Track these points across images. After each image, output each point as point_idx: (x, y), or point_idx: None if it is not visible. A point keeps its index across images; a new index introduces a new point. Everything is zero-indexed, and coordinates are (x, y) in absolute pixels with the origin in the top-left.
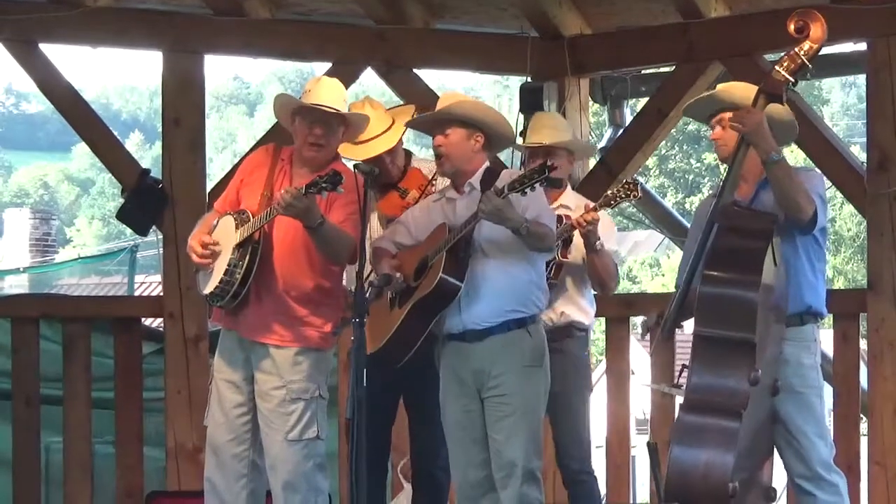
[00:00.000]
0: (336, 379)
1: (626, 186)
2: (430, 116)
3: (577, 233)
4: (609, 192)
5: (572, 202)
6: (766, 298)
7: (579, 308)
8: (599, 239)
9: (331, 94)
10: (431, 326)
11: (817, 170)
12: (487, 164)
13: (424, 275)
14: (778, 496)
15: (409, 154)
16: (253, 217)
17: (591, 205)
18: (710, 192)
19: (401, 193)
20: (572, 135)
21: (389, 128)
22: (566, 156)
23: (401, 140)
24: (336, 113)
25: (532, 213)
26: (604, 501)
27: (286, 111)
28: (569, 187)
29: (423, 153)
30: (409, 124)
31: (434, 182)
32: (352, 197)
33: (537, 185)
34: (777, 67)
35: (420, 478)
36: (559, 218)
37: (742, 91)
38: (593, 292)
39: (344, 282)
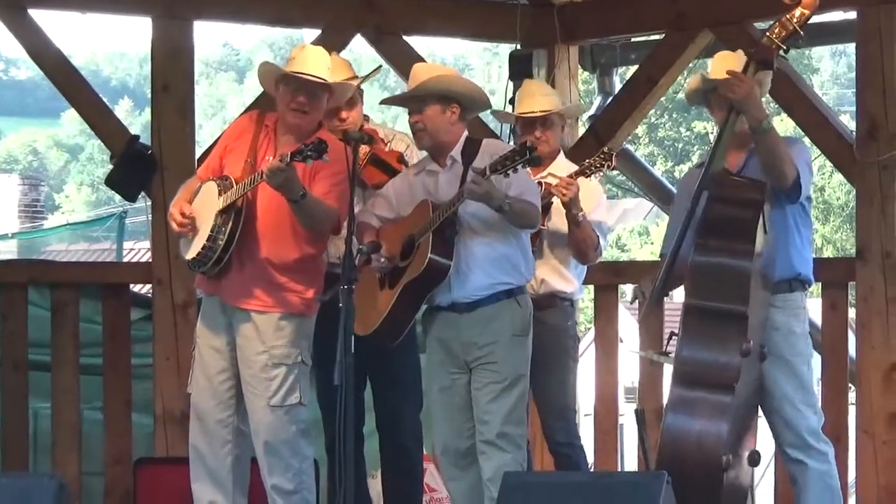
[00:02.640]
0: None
1: (602, 156)
2: (404, 94)
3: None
4: (585, 161)
5: (564, 170)
6: (755, 265)
7: (562, 277)
8: (582, 210)
9: (315, 61)
10: (423, 305)
11: (803, 140)
12: (466, 133)
13: (412, 256)
14: (765, 463)
15: (366, 117)
16: (236, 184)
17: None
18: (697, 161)
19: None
20: (561, 100)
21: (351, 78)
22: (559, 122)
23: (361, 98)
24: (320, 81)
25: (515, 189)
26: (591, 469)
27: (270, 79)
28: (561, 155)
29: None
30: (384, 101)
31: (385, 141)
32: (337, 167)
33: (519, 166)
34: (768, 34)
35: (388, 450)
36: (539, 184)
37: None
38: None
39: (330, 252)
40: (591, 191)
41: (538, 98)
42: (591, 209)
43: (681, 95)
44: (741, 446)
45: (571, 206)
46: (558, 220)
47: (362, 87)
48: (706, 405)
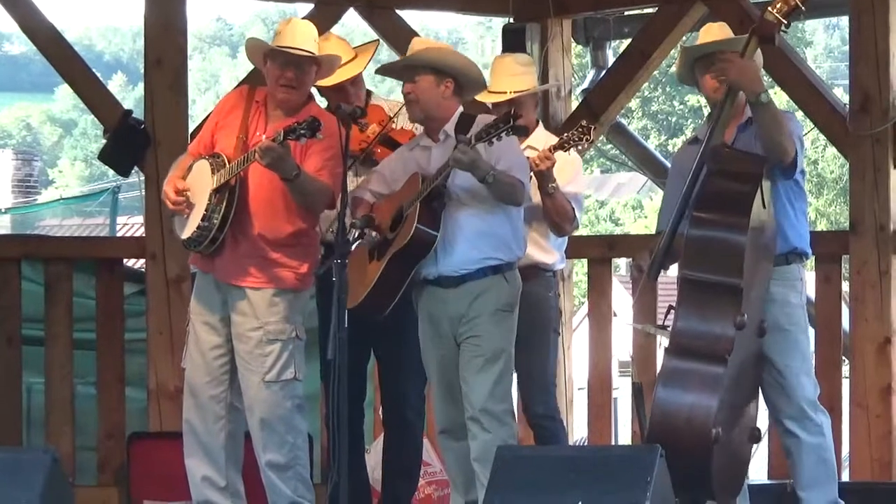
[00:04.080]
0: (317, 321)
1: (580, 130)
2: (398, 63)
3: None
4: (563, 135)
5: (541, 142)
6: (756, 239)
7: (542, 249)
8: (554, 182)
9: (302, 35)
10: (412, 276)
11: (796, 114)
12: (461, 109)
13: (400, 226)
14: (762, 436)
15: (369, 93)
16: (229, 161)
17: (544, 147)
18: (691, 136)
19: (360, 127)
20: (535, 74)
21: (353, 59)
22: (530, 101)
23: (362, 76)
24: (307, 55)
25: (504, 164)
26: (585, 442)
27: (258, 54)
28: (540, 126)
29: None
30: (379, 70)
31: (395, 120)
32: (330, 142)
33: (503, 134)
34: (770, 9)
35: (391, 420)
36: None
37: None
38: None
39: (323, 226)
40: (568, 162)
41: (508, 78)
42: (568, 181)
43: (674, 69)
44: (742, 424)
45: (544, 178)
46: (537, 192)
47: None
48: (698, 377)
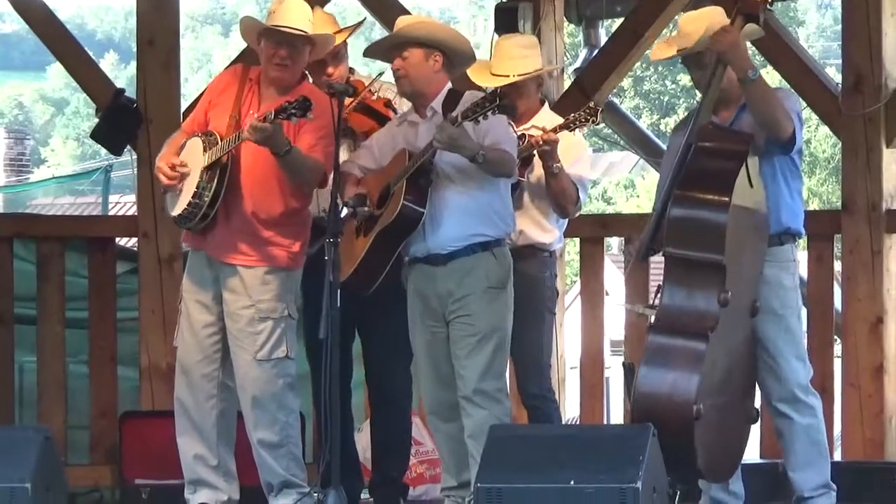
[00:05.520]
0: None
1: (587, 111)
2: (386, 40)
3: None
4: (570, 116)
5: (548, 122)
6: (744, 219)
7: (541, 228)
8: (558, 162)
9: (296, 14)
10: (398, 253)
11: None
12: (449, 85)
13: (387, 203)
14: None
15: (352, 70)
16: (221, 139)
17: (550, 127)
18: (685, 116)
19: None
20: (539, 55)
21: (336, 33)
22: (532, 83)
23: (346, 50)
24: (301, 34)
25: (491, 138)
26: (577, 421)
27: (252, 34)
28: (545, 107)
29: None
30: (366, 51)
31: (372, 90)
32: (323, 121)
33: (489, 113)
34: None
35: (376, 399)
36: (521, 136)
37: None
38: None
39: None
40: (574, 144)
41: (513, 61)
42: (572, 162)
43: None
44: (737, 406)
45: (548, 157)
46: (540, 171)
47: (348, 40)
48: (679, 354)
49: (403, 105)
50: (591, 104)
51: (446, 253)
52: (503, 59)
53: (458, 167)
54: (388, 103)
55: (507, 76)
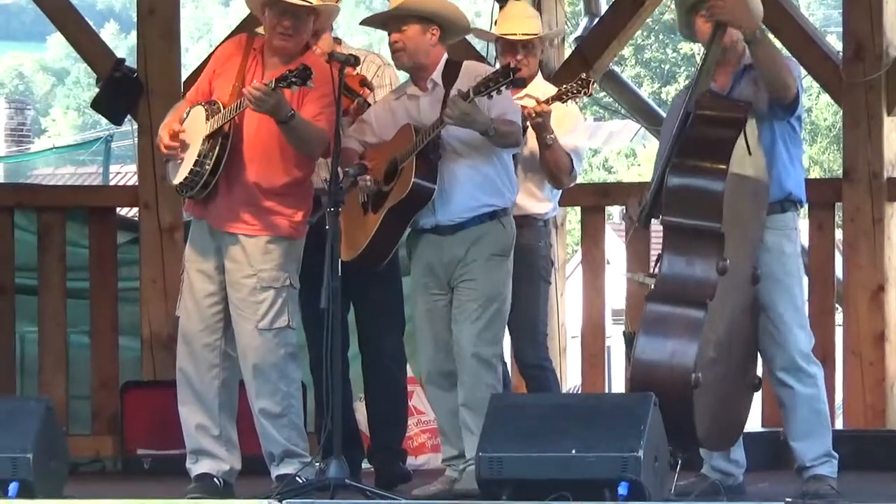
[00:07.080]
0: None
1: (579, 82)
2: (383, 14)
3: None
4: (562, 87)
5: (539, 91)
6: (741, 187)
7: (535, 198)
8: (552, 133)
9: None
10: (408, 228)
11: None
12: (446, 56)
13: (396, 179)
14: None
15: (337, 40)
16: (224, 108)
17: (543, 98)
18: (686, 84)
19: None
20: (543, 24)
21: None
22: (539, 46)
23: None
24: (305, 4)
25: (497, 110)
26: (579, 390)
27: (257, 3)
28: (539, 76)
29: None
30: (364, 21)
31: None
32: (325, 90)
33: (503, 88)
34: None
35: (370, 369)
36: None
37: None
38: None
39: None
40: (568, 115)
41: (522, 20)
42: (566, 133)
43: (667, 16)
44: (738, 375)
45: (541, 129)
46: (534, 143)
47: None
48: (677, 321)
49: (387, 78)
50: (584, 75)
51: (455, 223)
52: (509, 20)
53: (466, 141)
54: (363, 81)
55: (515, 34)
